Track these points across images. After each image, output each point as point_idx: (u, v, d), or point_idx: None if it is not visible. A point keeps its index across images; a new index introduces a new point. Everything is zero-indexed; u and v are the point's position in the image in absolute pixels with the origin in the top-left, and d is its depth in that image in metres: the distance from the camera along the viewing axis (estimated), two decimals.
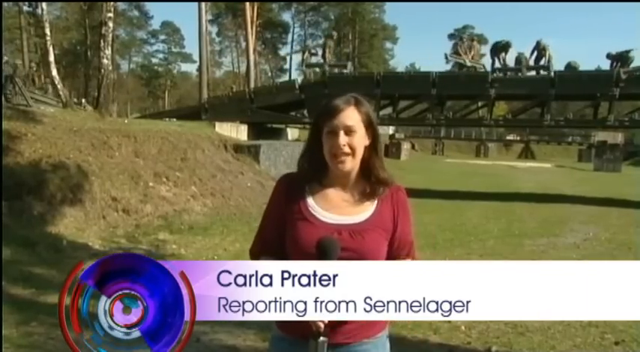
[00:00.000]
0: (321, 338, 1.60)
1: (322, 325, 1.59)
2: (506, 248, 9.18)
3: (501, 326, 5.02)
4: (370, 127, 1.78)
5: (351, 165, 1.76)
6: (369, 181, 1.81)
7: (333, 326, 1.63)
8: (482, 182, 24.46)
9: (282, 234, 1.79)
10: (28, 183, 8.49)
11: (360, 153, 1.76)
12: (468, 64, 18.64)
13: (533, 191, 20.60)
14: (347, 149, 1.72)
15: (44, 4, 17.80)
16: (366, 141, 1.78)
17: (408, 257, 1.84)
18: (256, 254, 1.87)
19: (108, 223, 8.98)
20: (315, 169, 1.81)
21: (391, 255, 1.81)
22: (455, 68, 19.17)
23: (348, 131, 1.72)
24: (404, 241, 1.82)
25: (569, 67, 18.27)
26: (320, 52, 21.23)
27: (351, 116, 1.74)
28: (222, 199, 11.64)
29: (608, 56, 17.84)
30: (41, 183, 8.63)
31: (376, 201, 1.80)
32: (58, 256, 7.32)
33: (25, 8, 35.68)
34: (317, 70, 20.50)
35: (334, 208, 1.78)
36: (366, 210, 1.79)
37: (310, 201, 1.79)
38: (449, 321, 5.09)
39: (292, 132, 22.37)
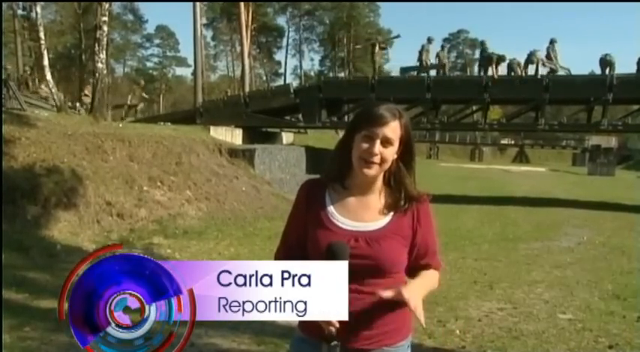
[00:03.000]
0: (334, 342, 1.61)
1: (334, 329, 1.59)
2: (501, 252, 9.19)
3: (496, 330, 5.03)
4: (406, 143, 1.78)
5: (376, 173, 1.76)
6: (393, 193, 1.81)
7: (355, 331, 1.63)
8: (476, 186, 24.54)
9: (305, 239, 1.80)
10: (22, 187, 8.46)
11: (388, 165, 1.76)
12: (559, 68, 18.26)
13: (527, 195, 20.67)
14: (378, 159, 1.73)
15: (38, 8, 17.78)
16: (394, 156, 1.77)
17: (430, 266, 1.84)
18: (280, 258, 1.88)
19: (102, 227, 8.95)
20: (342, 169, 1.81)
21: (411, 263, 1.82)
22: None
23: (386, 142, 1.73)
24: (424, 249, 1.82)
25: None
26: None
27: (394, 129, 1.74)
28: (216, 203, 11.61)
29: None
30: (35, 188, 8.60)
31: (394, 211, 1.80)
32: (51, 260, 7.29)
33: (20, 12, 35.62)
34: (414, 73, 19.80)
35: (352, 214, 1.78)
36: (385, 217, 1.79)
37: (330, 207, 1.80)
38: (443, 325, 5.10)
39: (287, 137, 22.32)
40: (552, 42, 18.27)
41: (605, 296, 6.41)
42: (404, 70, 20.38)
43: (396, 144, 1.75)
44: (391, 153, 1.75)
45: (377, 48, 20.23)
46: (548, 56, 18.08)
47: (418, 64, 19.36)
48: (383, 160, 1.73)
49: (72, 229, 8.44)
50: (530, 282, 7.04)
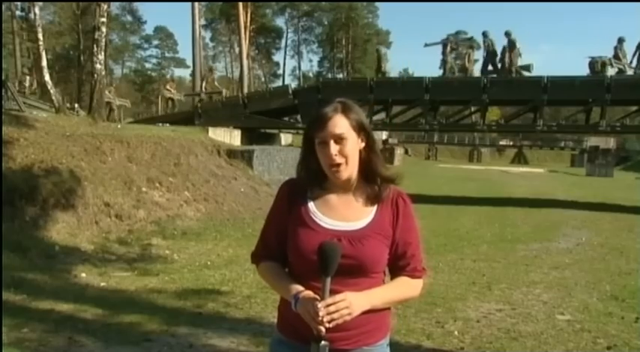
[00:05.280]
0: (323, 342, 1.59)
1: (323, 329, 1.58)
2: (499, 253, 9.19)
3: (494, 331, 5.03)
4: (362, 130, 1.75)
5: (348, 172, 1.73)
6: (371, 184, 1.78)
7: (334, 331, 1.61)
8: (475, 187, 24.52)
9: (285, 239, 1.78)
10: (21, 188, 8.44)
11: (354, 159, 1.73)
12: (627, 69, 17.66)
13: (526, 196, 20.66)
14: (339, 158, 1.69)
15: (37, 9, 17.77)
16: (361, 145, 1.75)
17: (406, 269, 1.79)
18: (259, 258, 1.86)
19: (100, 228, 8.94)
20: (313, 177, 1.78)
21: (391, 264, 1.79)
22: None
23: (338, 139, 1.69)
24: (402, 250, 1.78)
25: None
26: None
27: (339, 124, 1.70)
28: (215, 204, 11.61)
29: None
30: (34, 189, 8.59)
31: (377, 206, 1.77)
32: (50, 262, 7.29)
33: (18, 13, 35.65)
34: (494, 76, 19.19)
35: (335, 213, 1.76)
36: (367, 216, 1.76)
37: (311, 206, 1.77)
38: (442, 326, 5.10)
39: (285, 138, 22.32)
40: (620, 41, 17.79)
41: (603, 297, 6.41)
42: (484, 72, 19.98)
43: (352, 136, 1.72)
44: (351, 148, 1.71)
45: (448, 48, 19.95)
46: (616, 56, 17.74)
47: (500, 65, 19.00)
48: (345, 158, 1.70)
49: (70, 230, 8.43)
50: (528, 283, 7.04)
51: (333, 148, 1.69)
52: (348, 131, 1.71)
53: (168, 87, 24.41)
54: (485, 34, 19.10)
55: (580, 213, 15.44)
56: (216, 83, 26.06)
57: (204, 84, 24.72)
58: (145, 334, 4.73)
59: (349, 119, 1.72)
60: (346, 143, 1.70)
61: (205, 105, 20.73)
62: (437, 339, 4.79)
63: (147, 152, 11.75)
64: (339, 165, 1.70)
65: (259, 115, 18.33)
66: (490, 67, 18.74)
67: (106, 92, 22.21)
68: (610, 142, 45.16)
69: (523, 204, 17.26)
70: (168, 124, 17.08)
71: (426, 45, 20.24)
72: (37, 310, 5.30)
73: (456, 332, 4.96)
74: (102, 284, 6.61)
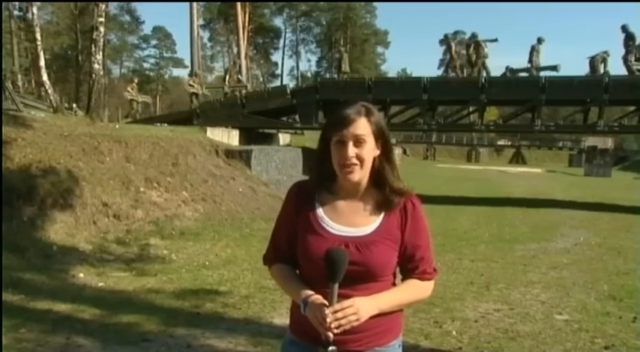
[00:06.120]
0: (331, 348, 1.60)
1: (331, 335, 1.59)
2: (497, 253, 9.19)
3: (492, 331, 5.03)
4: (381, 138, 1.74)
5: (360, 175, 1.72)
6: (381, 191, 1.77)
7: (345, 333, 1.61)
8: (473, 187, 24.55)
9: (295, 241, 1.78)
10: (18, 188, 8.42)
11: (368, 164, 1.72)
12: None
13: (524, 196, 20.68)
14: (355, 160, 1.69)
15: (35, 9, 17.77)
16: (377, 152, 1.74)
17: (416, 271, 1.78)
18: (270, 260, 1.88)
19: (98, 228, 8.93)
20: (325, 178, 1.78)
21: (401, 266, 1.79)
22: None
23: (357, 142, 1.69)
24: (411, 253, 1.77)
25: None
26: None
27: (362, 126, 1.70)
28: (213, 204, 11.60)
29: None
30: (31, 189, 8.58)
31: (384, 211, 1.76)
32: (47, 262, 7.27)
33: (16, 13, 35.61)
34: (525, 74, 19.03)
35: (343, 219, 1.75)
36: (375, 221, 1.75)
37: (320, 211, 1.77)
38: (440, 326, 5.11)
39: (284, 138, 22.33)
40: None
41: (601, 297, 6.42)
42: (512, 71, 19.92)
43: (371, 141, 1.71)
44: (368, 151, 1.71)
45: (471, 48, 20.00)
46: (638, 59, 17.46)
47: (529, 65, 18.89)
48: (361, 161, 1.70)
49: (68, 230, 8.41)
50: (526, 283, 7.04)
51: (351, 149, 1.69)
52: (368, 135, 1.71)
53: (191, 82, 24.40)
54: (446, 36, 19.20)
55: (578, 213, 15.46)
56: (239, 76, 25.81)
57: (227, 78, 24.54)
58: (143, 334, 4.73)
59: (371, 123, 1.72)
60: (364, 146, 1.70)
61: (204, 105, 20.72)
62: (435, 339, 4.79)
63: (145, 152, 11.73)
64: (353, 166, 1.70)
65: (257, 115, 18.34)
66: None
67: (128, 89, 22.25)
68: (608, 142, 45.30)
69: (521, 204, 17.29)
70: (166, 124, 17.06)
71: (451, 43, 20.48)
72: (34, 310, 5.29)
73: (454, 332, 4.96)
74: (100, 284, 6.60)
